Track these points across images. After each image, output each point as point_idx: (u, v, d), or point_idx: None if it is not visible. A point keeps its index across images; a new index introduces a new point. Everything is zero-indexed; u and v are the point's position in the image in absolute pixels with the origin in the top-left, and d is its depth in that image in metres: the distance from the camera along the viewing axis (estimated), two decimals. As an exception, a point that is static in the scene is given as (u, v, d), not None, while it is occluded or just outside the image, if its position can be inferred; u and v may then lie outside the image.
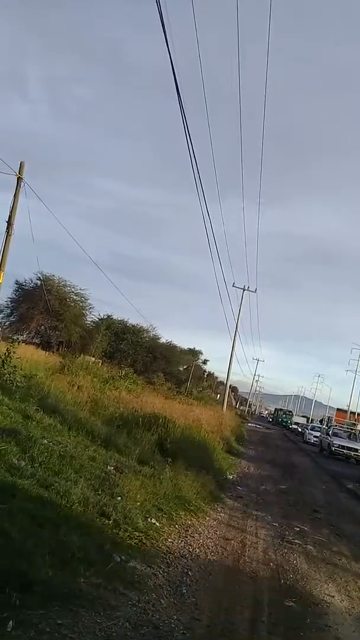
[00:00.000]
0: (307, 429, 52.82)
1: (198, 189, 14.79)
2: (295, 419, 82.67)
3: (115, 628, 3.93)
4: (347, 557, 8.04)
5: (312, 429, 49.53)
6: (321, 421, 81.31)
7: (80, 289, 38.17)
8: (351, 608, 5.87)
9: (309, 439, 44.79)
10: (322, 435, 36.38)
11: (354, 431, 36.58)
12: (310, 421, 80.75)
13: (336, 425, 38.10)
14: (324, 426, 54.40)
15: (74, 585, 4.20)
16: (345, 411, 78.37)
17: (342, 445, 30.16)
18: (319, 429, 48.19)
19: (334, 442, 30.49)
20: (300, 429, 67.56)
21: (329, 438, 31.99)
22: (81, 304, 38.71)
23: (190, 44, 13.45)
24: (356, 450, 29.76)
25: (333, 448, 30.16)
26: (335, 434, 32.91)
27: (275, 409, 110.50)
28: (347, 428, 38.61)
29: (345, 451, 29.81)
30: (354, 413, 76.67)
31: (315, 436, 43.46)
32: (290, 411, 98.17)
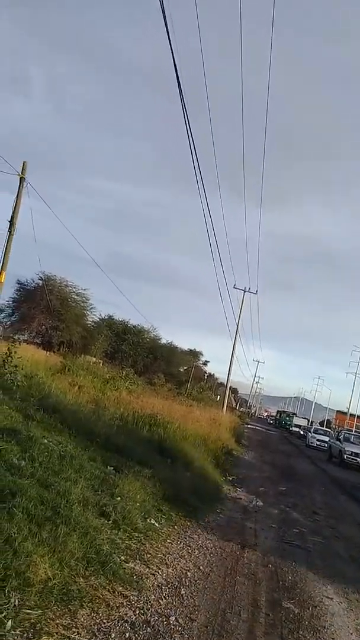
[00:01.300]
0: (309, 431, 50.53)
1: (199, 189, 14.86)
2: (296, 420, 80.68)
3: (114, 628, 3.95)
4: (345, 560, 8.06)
5: (316, 431, 47.33)
6: (321, 423, 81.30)
7: (82, 289, 38.23)
8: (349, 610, 5.89)
9: (311, 442, 42.78)
10: (332, 441, 33.96)
11: None
12: (310, 423, 79.82)
13: (347, 430, 35.48)
14: (331, 430, 52.16)
15: (73, 586, 4.22)
16: (345, 413, 78.46)
17: (355, 453, 27.28)
18: (322, 432, 46.28)
19: (347, 448, 27.75)
20: (301, 432, 65.17)
21: (340, 444, 29.13)
22: (82, 304, 38.74)
23: (192, 45, 13.47)
24: None
25: (345, 456, 27.39)
26: (347, 439, 29.96)
27: (278, 411, 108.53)
28: None
29: (359, 459, 27.00)
30: (353, 415, 76.70)
31: (319, 440, 41.77)
32: (294, 413, 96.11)
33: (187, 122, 11.67)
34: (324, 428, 58.16)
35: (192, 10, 11.08)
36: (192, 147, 12.58)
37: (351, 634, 5.23)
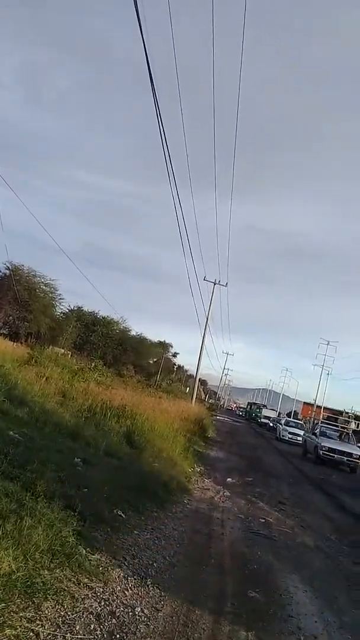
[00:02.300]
0: (279, 423, 47.06)
1: (169, 177, 14.76)
2: (265, 412, 77.35)
3: (78, 620, 3.91)
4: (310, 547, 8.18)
5: (287, 424, 43.95)
6: (289, 414, 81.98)
7: (50, 280, 37.78)
8: (314, 598, 5.97)
9: (283, 435, 39.82)
10: (306, 435, 31.64)
11: (346, 431, 31.34)
12: (279, 415, 79.47)
13: (324, 422, 31.41)
14: (303, 422, 48.73)
15: (38, 578, 4.15)
16: (312, 405, 79.69)
17: (332, 449, 25.13)
18: (295, 425, 43.12)
19: (323, 444, 25.56)
20: (271, 424, 60.51)
21: (316, 439, 26.89)
22: (51, 295, 38.33)
23: (166, 36, 13.35)
24: (350, 454, 25.03)
25: (321, 452, 25.18)
26: (323, 434, 27.82)
27: (248, 402, 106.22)
28: (338, 427, 32.33)
29: (336, 456, 24.84)
30: (320, 407, 77.94)
31: (291, 433, 39.06)
32: (264, 405, 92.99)
33: (156, 105, 11.55)
34: (296, 420, 53.79)
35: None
36: (162, 132, 12.49)
37: (316, 622, 5.30)
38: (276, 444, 34.97)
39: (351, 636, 5.15)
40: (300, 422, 48.58)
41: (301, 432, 37.36)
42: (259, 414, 76.36)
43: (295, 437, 37.90)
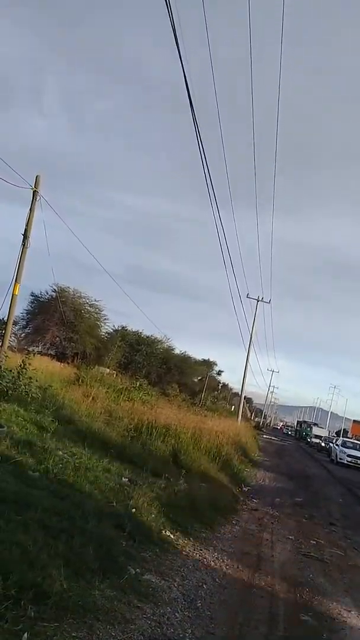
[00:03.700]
0: (334, 443, 40.29)
1: (210, 198, 14.86)
2: (316, 430, 70.18)
3: (129, 641, 3.92)
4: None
5: (344, 444, 36.13)
6: (337, 433, 79.67)
7: (95, 300, 38.36)
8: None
9: (341, 458, 32.95)
10: None
11: None
12: (333, 434, 74.65)
13: None
14: None
15: (89, 598, 4.19)
16: (362, 423, 77.60)
17: None
18: (353, 445, 35.81)
19: None
20: (323, 444, 53.85)
21: None
22: (96, 315, 38.84)
23: (203, 56, 13.57)
24: None
25: None
26: None
27: (298, 421, 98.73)
28: None
29: None
30: (370, 425, 75.84)
31: (350, 456, 32.67)
32: (315, 423, 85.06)
33: (197, 132, 11.72)
34: (356, 440, 44.61)
35: (202, 22, 11.20)
36: (203, 155, 12.62)
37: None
38: (332, 469, 28.60)
39: None
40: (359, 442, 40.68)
41: None
42: (309, 433, 69.41)
43: (356, 460, 32.20)
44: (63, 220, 20.45)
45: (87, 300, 37.71)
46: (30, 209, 16.18)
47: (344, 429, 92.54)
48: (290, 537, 9.06)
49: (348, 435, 73.93)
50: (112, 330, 44.53)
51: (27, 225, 16.03)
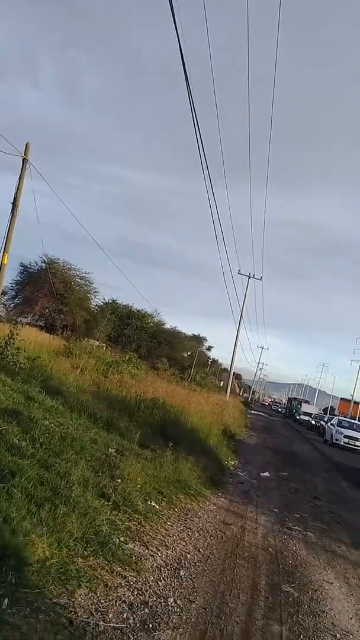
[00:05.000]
0: (328, 423, 36.47)
1: (204, 172, 14.65)
2: (305, 407, 65.78)
3: (111, 608, 3.92)
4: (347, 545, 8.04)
5: (340, 424, 32.65)
6: (324, 410, 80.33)
7: (85, 273, 38.11)
8: (349, 595, 5.86)
9: (337, 439, 29.71)
10: None
11: None
12: (324, 411, 72.85)
13: None
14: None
15: (71, 566, 4.19)
16: (349, 400, 78.43)
17: None
18: (350, 425, 32.42)
19: None
20: (313, 422, 51.13)
21: None
22: (86, 288, 38.64)
23: (199, 25, 13.21)
24: None
25: None
26: None
27: (289, 398, 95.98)
28: None
29: None
30: (357, 403, 76.63)
31: (347, 436, 29.37)
32: (306, 400, 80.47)
33: (191, 101, 11.46)
34: (352, 420, 40.22)
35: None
36: (196, 128, 12.37)
37: (351, 618, 5.20)
38: (327, 452, 25.03)
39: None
40: (357, 422, 37.03)
41: None
42: (299, 410, 65.37)
43: (353, 442, 29.08)
44: (52, 188, 20.17)
45: (77, 273, 37.50)
46: (20, 177, 15.90)
47: (331, 407, 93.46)
48: (275, 510, 9.14)
49: (335, 413, 74.55)
50: (102, 303, 44.39)
51: (16, 193, 15.76)
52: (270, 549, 6.75)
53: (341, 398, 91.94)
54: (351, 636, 4.78)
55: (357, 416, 58.17)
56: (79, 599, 3.84)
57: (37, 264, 36.12)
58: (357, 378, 76.71)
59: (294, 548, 7.08)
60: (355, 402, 75.71)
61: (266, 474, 12.99)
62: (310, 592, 5.59)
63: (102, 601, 3.96)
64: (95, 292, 40.25)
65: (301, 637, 4.49)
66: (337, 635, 4.72)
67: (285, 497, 10.71)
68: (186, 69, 10.34)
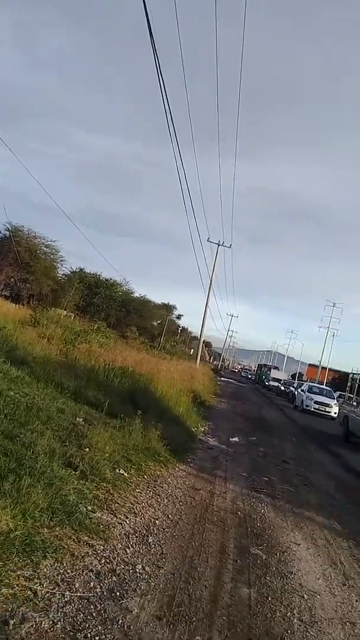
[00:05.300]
0: (297, 389, 36.68)
1: (170, 135, 14.28)
2: (274, 373, 65.32)
3: (78, 578, 3.86)
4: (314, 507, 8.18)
5: (310, 390, 32.66)
6: (292, 376, 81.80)
7: (51, 241, 37.39)
8: (316, 555, 5.96)
9: (307, 405, 29.58)
10: (352, 410, 21.97)
11: None
12: (293, 377, 71.95)
13: None
14: (328, 388, 37.72)
15: (37, 537, 4.09)
16: (317, 366, 80.00)
17: None
18: (320, 391, 32.74)
19: None
20: (282, 388, 50.93)
21: None
22: (52, 257, 37.99)
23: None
24: None
25: None
26: None
27: (259, 364, 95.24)
28: None
29: None
30: (325, 368, 78.28)
31: (318, 402, 29.62)
32: (276, 367, 79.21)
33: (157, 63, 11.08)
34: (321, 385, 41.33)
35: None
36: (163, 89, 12.00)
37: (318, 578, 5.28)
38: (296, 417, 25.44)
39: (354, 594, 5.13)
40: (327, 388, 37.43)
41: (332, 402, 30.17)
42: (268, 376, 65.01)
43: (323, 408, 29.32)
44: (13, 152, 19.45)
45: (43, 241, 36.83)
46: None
47: (300, 373, 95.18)
48: (244, 474, 9.23)
49: (303, 379, 75.92)
50: (69, 272, 43.79)
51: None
52: (239, 513, 6.81)
53: (309, 364, 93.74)
54: (318, 596, 4.85)
55: (324, 381, 59.58)
56: (45, 570, 3.76)
57: (0, 232, 35.27)
58: (324, 344, 78.13)
59: (262, 511, 7.15)
60: (322, 368, 77.35)
61: (235, 439, 13.10)
62: (278, 554, 5.65)
63: (68, 571, 3.90)
64: (62, 260, 39.68)
65: (269, 598, 4.53)
66: (305, 595, 4.78)
67: (254, 461, 10.84)
68: (151, 29, 9.94)
